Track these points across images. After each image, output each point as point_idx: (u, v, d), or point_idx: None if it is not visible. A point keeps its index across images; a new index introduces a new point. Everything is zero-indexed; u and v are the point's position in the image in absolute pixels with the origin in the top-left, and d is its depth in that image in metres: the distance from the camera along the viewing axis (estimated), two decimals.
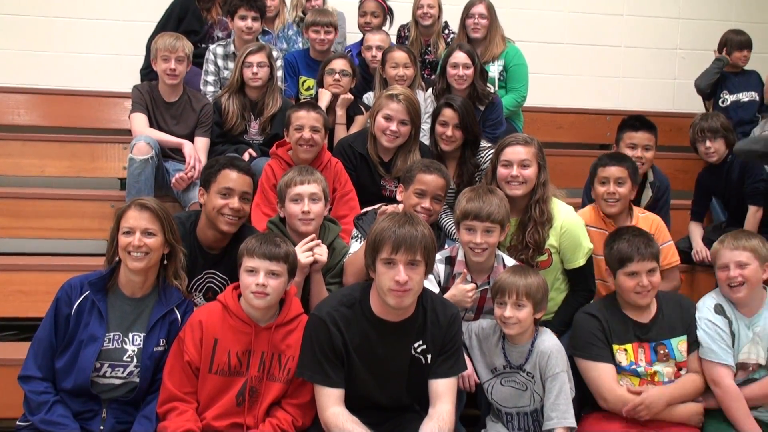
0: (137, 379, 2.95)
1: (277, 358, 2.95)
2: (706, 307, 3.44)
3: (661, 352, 3.30)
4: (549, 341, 3.18)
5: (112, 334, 2.94)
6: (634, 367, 3.27)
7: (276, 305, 2.99)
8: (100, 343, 2.90)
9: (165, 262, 3.04)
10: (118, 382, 2.95)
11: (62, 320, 2.93)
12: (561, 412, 3.06)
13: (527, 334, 3.17)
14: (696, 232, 4.81)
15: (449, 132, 4.11)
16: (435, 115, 4.20)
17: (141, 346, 2.95)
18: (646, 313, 3.34)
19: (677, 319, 3.37)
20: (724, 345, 3.34)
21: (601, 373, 3.23)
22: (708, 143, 4.69)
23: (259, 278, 2.87)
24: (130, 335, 2.96)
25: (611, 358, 3.26)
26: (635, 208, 4.02)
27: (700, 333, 3.36)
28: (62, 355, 2.91)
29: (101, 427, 2.89)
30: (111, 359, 2.93)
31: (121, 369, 2.94)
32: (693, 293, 4.43)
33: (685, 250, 4.60)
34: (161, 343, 2.98)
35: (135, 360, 2.94)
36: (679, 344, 3.32)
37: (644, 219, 3.97)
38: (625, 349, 3.28)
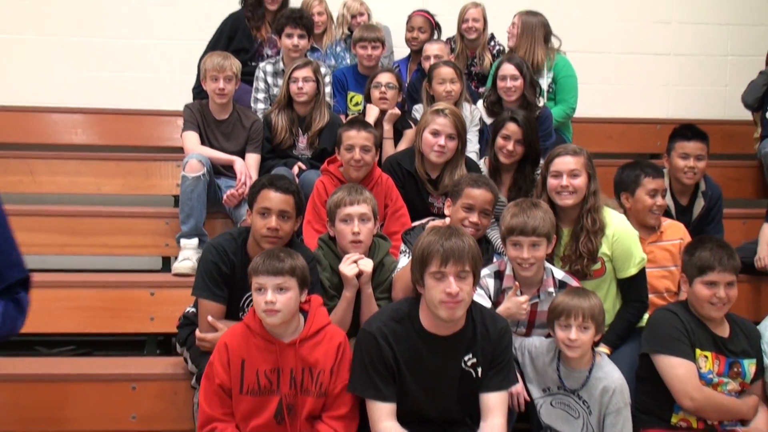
0: None
1: (309, 373, 2.93)
2: (767, 330, 3.42)
3: (735, 369, 3.26)
4: (612, 374, 3.12)
5: None
6: (710, 376, 3.22)
7: (297, 319, 2.97)
8: None
9: None
10: None
11: None
12: None
13: (586, 358, 3.13)
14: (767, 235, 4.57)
15: (510, 146, 4.11)
16: (497, 128, 4.19)
17: None
18: (723, 327, 3.30)
19: (746, 341, 3.33)
20: None
21: (688, 371, 3.16)
22: None
23: (267, 296, 2.84)
24: None
25: (694, 358, 3.21)
26: (661, 217, 4.00)
27: (765, 359, 3.34)
28: None
29: None
30: None
31: None
32: (760, 306, 4.37)
33: (743, 260, 4.50)
34: None
35: None
36: (750, 366, 3.29)
37: (672, 225, 3.97)
38: (706, 356, 3.22)
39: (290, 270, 2.88)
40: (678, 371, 3.16)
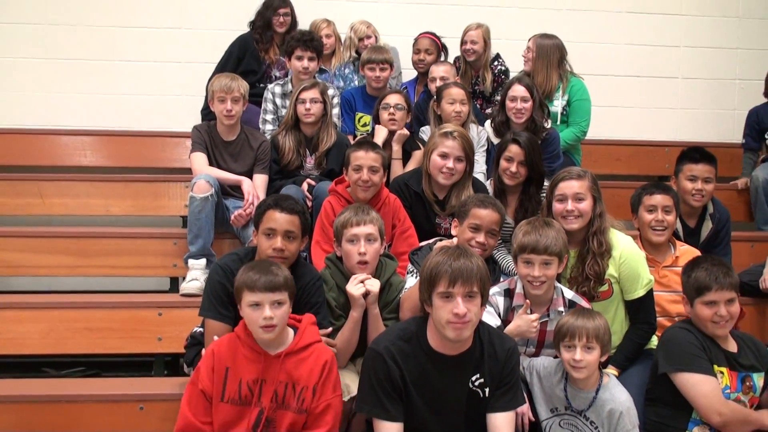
0: None
1: (291, 388, 2.92)
2: None
3: (747, 384, 3.24)
4: (620, 396, 3.11)
5: None
6: (728, 392, 3.19)
7: (286, 332, 2.97)
8: None
9: None
10: None
11: None
12: None
13: (593, 379, 3.12)
14: None
15: (513, 168, 4.10)
16: (500, 150, 4.20)
17: None
18: (731, 343, 3.29)
19: (753, 356, 3.32)
20: None
21: (713, 387, 3.13)
22: None
23: (265, 311, 2.85)
24: None
25: (714, 374, 3.18)
26: (677, 241, 3.99)
27: None
28: None
29: None
30: None
31: None
32: (766, 328, 4.35)
33: (749, 282, 4.49)
34: None
35: None
36: (759, 380, 3.28)
37: (689, 251, 3.93)
38: (722, 372, 3.21)
39: (285, 283, 2.91)
40: (704, 388, 3.13)
